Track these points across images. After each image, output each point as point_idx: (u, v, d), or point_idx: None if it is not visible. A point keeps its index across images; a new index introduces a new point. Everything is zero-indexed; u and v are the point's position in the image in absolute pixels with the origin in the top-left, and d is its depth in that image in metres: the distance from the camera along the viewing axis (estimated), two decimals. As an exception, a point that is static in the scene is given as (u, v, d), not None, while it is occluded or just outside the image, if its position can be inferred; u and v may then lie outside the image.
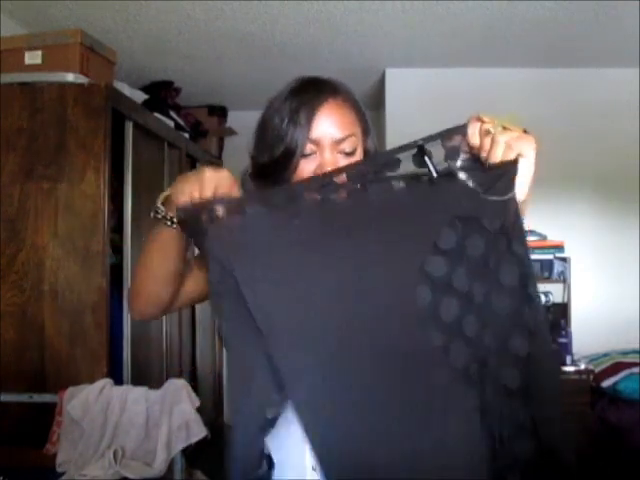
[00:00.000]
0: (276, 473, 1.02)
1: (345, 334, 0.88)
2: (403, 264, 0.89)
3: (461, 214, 0.88)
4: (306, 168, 1.05)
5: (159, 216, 1.00)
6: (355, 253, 0.90)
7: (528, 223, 0.94)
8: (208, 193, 0.93)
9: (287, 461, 1.01)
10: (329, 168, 1.02)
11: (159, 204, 1.01)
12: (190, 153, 3.60)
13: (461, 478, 0.87)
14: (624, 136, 3.93)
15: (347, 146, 1.06)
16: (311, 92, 1.07)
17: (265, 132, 1.08)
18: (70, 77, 2.39)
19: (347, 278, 0.89)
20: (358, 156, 1.09)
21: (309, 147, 1.05)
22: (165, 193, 1.01)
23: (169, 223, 1.00)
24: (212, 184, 0.94)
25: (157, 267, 1.06)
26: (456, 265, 0.87)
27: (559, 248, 3.80)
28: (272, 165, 1.06)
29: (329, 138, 1.05)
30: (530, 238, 3.81)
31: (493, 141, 0.89)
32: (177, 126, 3.47)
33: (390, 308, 0.88)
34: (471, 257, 0.87)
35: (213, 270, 0.91)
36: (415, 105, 4.03)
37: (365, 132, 1.12)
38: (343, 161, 1.06)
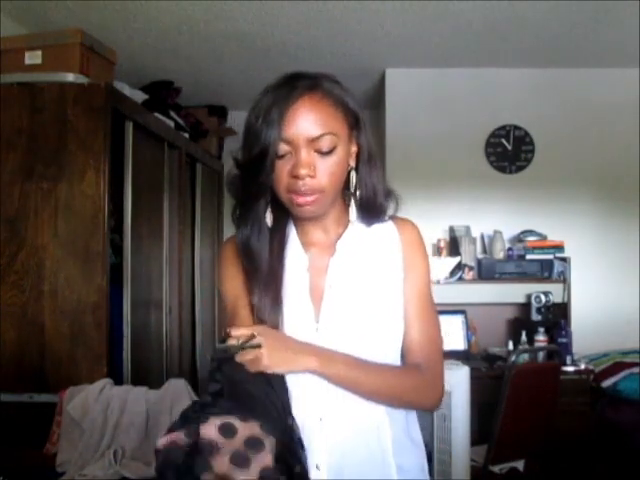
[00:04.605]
0: None
1: None
2: None
3: None
4: (282, 170, 1.00)
5: None
6: None
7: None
8: None
9: None
10: (303, 169, 0.98)
11: None
12: (190, 153, 3.60)
13: None
14: (624, 136, 3.94)
15: (324, 145, 0.99)
16: (286, 88, 1.00)
17: (245, 131, 1.03)
18: (70, 77, 2.38)
19: None
20: (338, 155, 1.02)
21: (283, 147, 0.99)
22: None
23: None
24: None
25: None
26: None
27: (559, 248, 3.80)
28: (249, 166, 1.02)
29: (303, 137, 0.98)
30: (530, 238, 3.82)
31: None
32: (177, 126, 3.46)
33: None
34: None
35: None
36: (415, 105, 4.03)
37: (353, 128, 1.05)
38: (320, 161, 1.00)
